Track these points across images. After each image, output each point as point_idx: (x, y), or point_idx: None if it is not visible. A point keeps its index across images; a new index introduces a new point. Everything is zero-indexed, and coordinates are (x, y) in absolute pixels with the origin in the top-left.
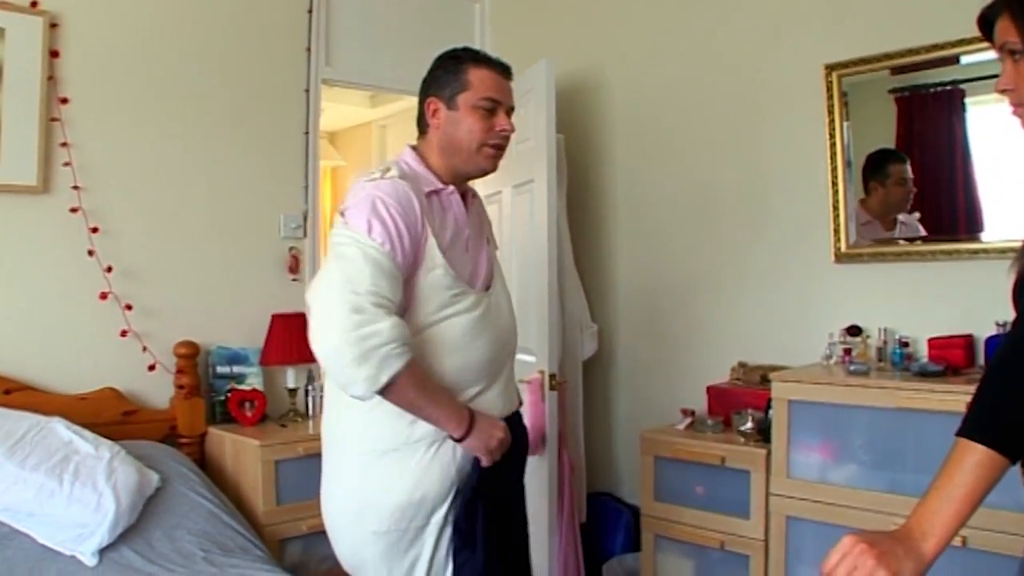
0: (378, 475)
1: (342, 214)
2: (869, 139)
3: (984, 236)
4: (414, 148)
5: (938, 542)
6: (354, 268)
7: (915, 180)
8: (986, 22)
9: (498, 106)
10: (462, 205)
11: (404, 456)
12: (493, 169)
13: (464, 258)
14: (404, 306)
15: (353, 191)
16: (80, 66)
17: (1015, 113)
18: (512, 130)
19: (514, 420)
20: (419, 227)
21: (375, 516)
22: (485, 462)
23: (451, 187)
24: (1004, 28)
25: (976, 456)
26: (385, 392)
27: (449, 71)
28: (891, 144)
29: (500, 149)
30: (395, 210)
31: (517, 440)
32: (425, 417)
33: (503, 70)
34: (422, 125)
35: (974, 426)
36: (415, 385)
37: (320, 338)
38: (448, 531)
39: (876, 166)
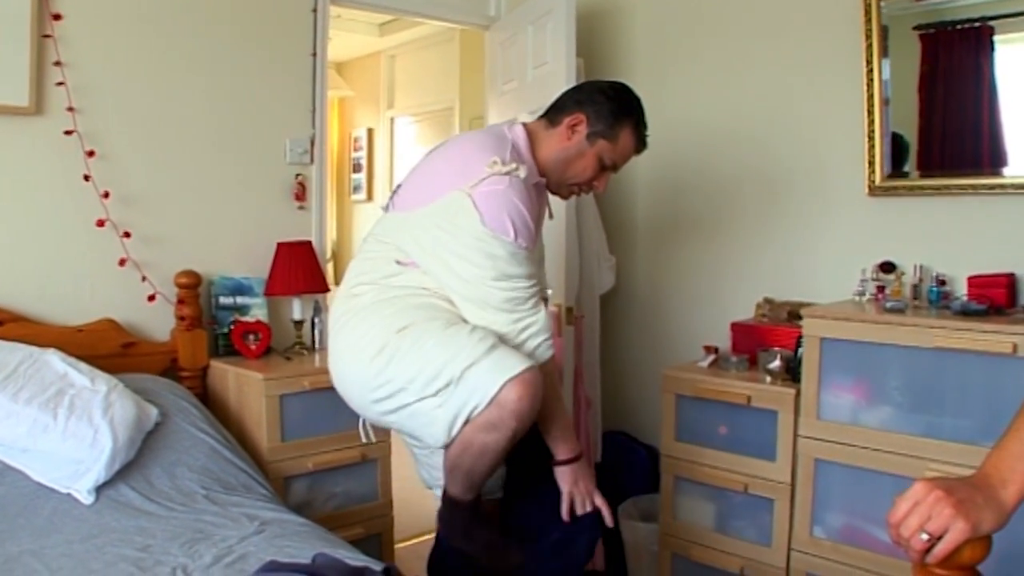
0: None
1: (473, 203)
2: (899, 79)
3: (1010, 173)
4: (528, 130)
5: (1020, 489)
6: (512, 267)
7: (938, 120)
8: None
9: (614, 168)
10: (546, 193)
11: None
12: (564, 199)
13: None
14: None
15: (483, 181)
16: None
17: None
18: (603, 192)
19: None
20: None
21: None
22: (566, 497)
23: (544, 179)
24: None
25: None
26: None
27: (614, 113)
28: (914, 84)
29: (580, 195)
30: (531, 213)
31: None
32: (551, 417)
33: (643, 147)
34: (555, 117)
35: None
36: (554, 380)
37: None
38: None
39: None
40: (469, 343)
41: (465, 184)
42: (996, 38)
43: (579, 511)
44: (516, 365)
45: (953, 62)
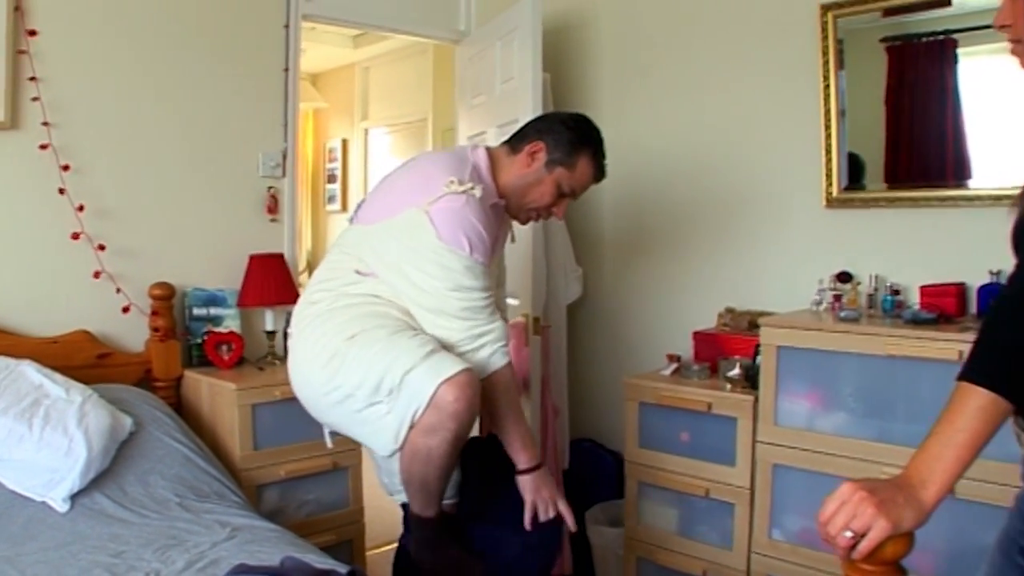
0: None
1: (430, 219)
2: (860, 90)
3: (973, 185)
4: (490, 154)
5: (939, 489)
6: (470, 279)
7: (904, 131)
8: None
9: (572, 195)
10: (504, 214)
11: None
12: (522, 224)
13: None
14: None
15: (440, 199)
16: None
17: (1013, 51)
18: (561, 218)
19: None
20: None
21: None
22: (529, 507)
23: (503, 201)
24: None
25: (979, 400)
26: (485, 381)
27: (572, 143)
28: (880, 95)
29: (539, 220)
30: (484, 228)
31: None
32: (509, 426)
33: (601, 175)
34: (517, 144)
35: (977, 370)
36: (511, 388)
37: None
38: None
39: None
40: (409, 348)
41: (423, 201)
42: (959, 51)
43: (542, 517)
44: (451, 367)
45: (919, 75)
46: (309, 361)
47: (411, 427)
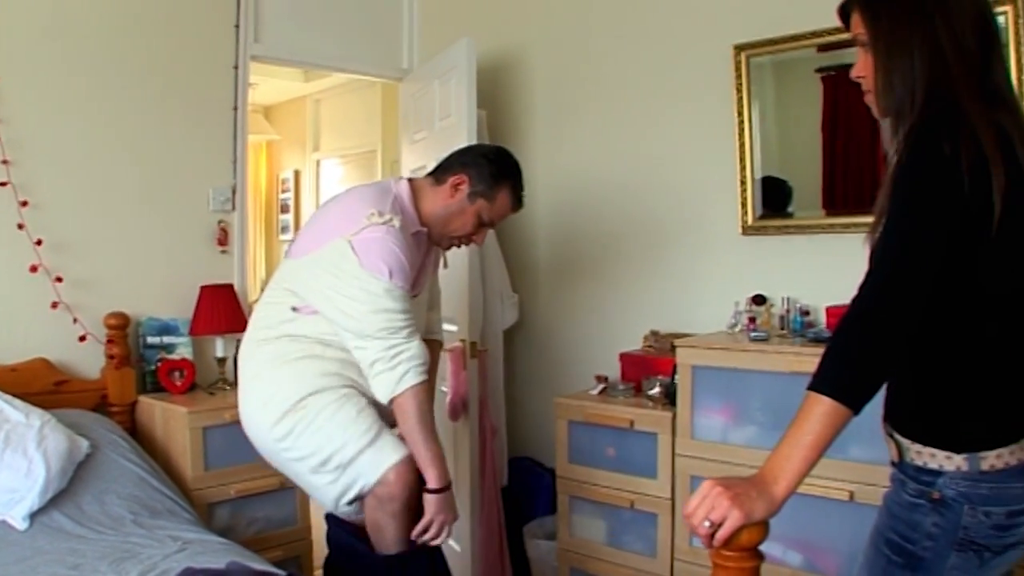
0: None
1: (352, 249)
2: (796, 117)
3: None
4: (412, 186)
5: (788, 485)
6: (389, 301)
7: (839, 158)
8: (844, 13)
9: (491, 224)
10: (427, 244)
11: None
12: (444, 250)
13: (413, 279)
14: None
15: (363, 230)
16: (7, 40)
17: (866, 100)
18: (480, 245)
19: None
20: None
21: None
22: (435, 529)
23: (426, 229)
24: (855, 21)
25: (822, 407)
26: (401, 396)
27: (494, 176)
28: (817, 122)
29: (460, 247)
30: (407, 257)
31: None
32: (422, 444)
33: (519, 206)
34: (441, 176)
35: (821, 380)
36: (424, 406)
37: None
38: None
39: None
40: (357, 433)
41: (348, 232)
42: None
43: (430, 540)
44: (395, 453)
45: (851, 103)
46: (259, 410)
47: (357, 497)
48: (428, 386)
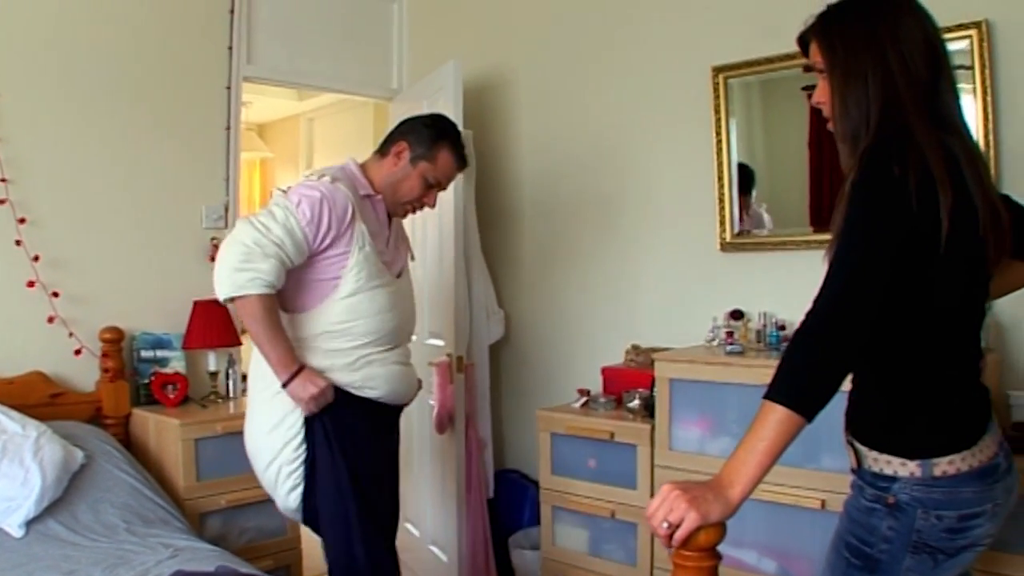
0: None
1: (283, 191)
2: (784, 134)
3: None
4: (359, 164)
5: (743, 489)
6: (274, 222)
7: (826, 174)
8: (803, 43)
9: (439, 185)
10: (386, 214)
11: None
12: (401, 218)
13: (385, 249)
14: (336, 275)
15: (298, 185)
16: (5, 61)
17: (829, 127)
18: (433, 207)
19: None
20: (348, 218)
21: None
22: (303, 411)
23: (380, 196)
24: (814, 50)
25: (776, 415)
26: (236, 302)
27: (432, 138)
28: (804, 139)
29: (415, 212)
30: (327, 204)
31: (392, 428)
32: (264, 353)
33: (462, 164)
34: (384, 148)
35: (775, 390)
36: (261, 318)
37: (222, 248)
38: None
39: None
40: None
41: None
42: None
43: (304, 412)
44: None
45: None
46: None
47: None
48: (272, 304)
